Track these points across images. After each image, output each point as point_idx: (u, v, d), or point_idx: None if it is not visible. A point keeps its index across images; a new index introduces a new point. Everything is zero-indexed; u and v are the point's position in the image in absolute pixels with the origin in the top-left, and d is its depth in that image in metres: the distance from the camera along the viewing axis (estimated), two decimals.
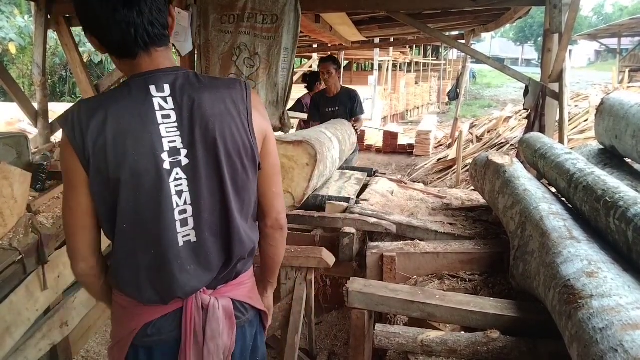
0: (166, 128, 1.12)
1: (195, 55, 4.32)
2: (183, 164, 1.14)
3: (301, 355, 2.53)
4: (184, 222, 1.17)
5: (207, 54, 3.98)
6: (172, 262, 1.17)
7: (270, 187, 1.33)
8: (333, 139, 3.49)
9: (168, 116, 1.13)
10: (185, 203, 1.16)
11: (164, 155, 1.12)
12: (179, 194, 1.15)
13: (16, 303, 2.04)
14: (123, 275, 1.22)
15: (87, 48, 10.85)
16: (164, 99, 1.13)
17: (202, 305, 1.23)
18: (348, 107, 4.65)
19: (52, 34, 6.30)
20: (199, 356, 1.23)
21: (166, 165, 1.12)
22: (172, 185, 1.13)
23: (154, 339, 1.22)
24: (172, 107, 1.13)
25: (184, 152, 1.14)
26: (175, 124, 1.13)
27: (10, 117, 10.05)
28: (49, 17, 4.60)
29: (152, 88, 1.13)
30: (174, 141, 1.13)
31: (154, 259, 1.17)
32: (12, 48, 10.80)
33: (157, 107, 1.12)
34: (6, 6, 11.21)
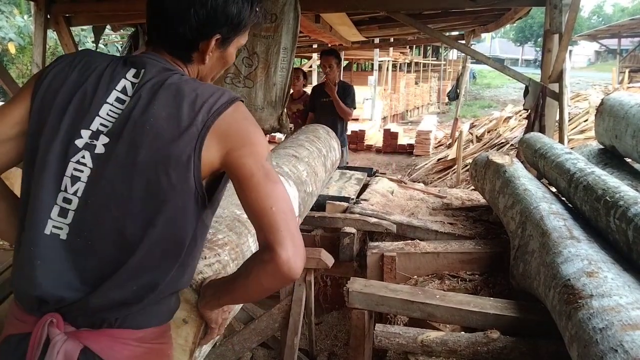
0: (109, 109, 1.00)
1: None
2: (95, 151, 0.98)
3: (301, 355, 2.53)
4: (63, 213, 0.98)
5: None
6: (30, 248, 0.97)
7: (264, 206, 0.97)
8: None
9: (121, 101, 1.01)
10: (74, 193, 0.98)
11: (84, 132, 0.99)
12: (74, 179, 0.98)
13: None
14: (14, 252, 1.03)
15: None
16: (133, 84, 1.02)
17: (49, 340, 0.96)
18: (340, 99, 4.66)
19: (51, 34, 6.30)
20: None
21: (78, 142, 0.98)
22: (70, 165, 0.98)
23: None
24: (132, 94, 1.01)
25: (104, 139, 0.98)
26: (120, 111, 1.00)
27: None
28: (48, 17, 4.60)
29: (132, 71, 1.03)
30: (106, 126, 0.99)
31: (20, 234, 0.99)
32: (12, 48, 10.79)
33: (119, 87, 1.02)
34: (6, 6, 11.20)
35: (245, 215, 1.61)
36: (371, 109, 13.60)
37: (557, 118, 4.03)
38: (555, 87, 3.96)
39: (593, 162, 3.05)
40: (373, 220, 2.92)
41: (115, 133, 0.98)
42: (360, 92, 12.53)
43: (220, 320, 1.16)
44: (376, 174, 4.25)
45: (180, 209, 0.99)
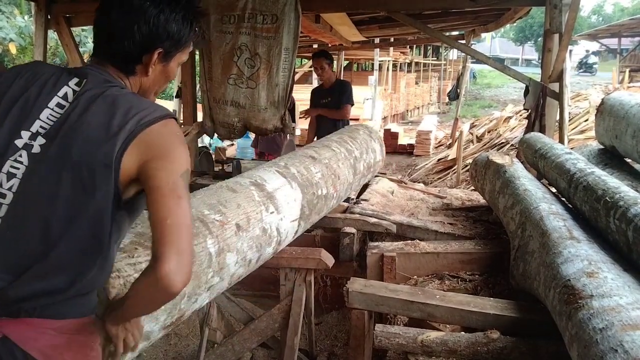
0: (50, 113, 1.09)
1: (197, 56, 4.32)
2: (32, 151, 1.06)
3: (301, 355, 2.53)
4: None
5: (208, 54, 3.98)
6: None
7: (160, 216, 1.02)
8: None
9: (61, 106, 1.10)
10: (9, 189, 1.05)
11: (24, 133, 1.07)
12: (10, 176, 1.05)
13: None
14: None
15: (87, 48, 10.86)
16: (74, 91, 1.12)
17: None
18: (338, 98, 4.68)
19: (52, 34, 6.29)
20: None
21: (18, 142, 1.07)
22: (8, 163, 1.06)
23: None
24: (71, 101, 1.10)
25: (41, 140, 1.07)
26: (59, 115, 1.09)
27: None
28: (49, 17, 4.60)
29: (75, 80, 1.13)
30: (45, 128, 1.08)
31: None
32: (12, 48, 10.80)
33: (60, 94, 1.11)
34: (6, 6, 11.20)
35: (212, 216, 1.75)
36: (371, 109, 13.57)
37: (558, 118, 4.03)
38: (555, 87, 3.96)
39: (593, 162, 3.05)
40: (373, 220, 2.92)
41: (52, 135, 1.07)
42: (361, 92, 12.55)
43: (121, 335, 1.16)
44: (376, 174, 4.25)
45: (101, 209, 1.06)
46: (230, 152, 8.32)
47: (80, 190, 1.05)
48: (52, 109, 1.09)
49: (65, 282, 1.04)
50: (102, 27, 1.17)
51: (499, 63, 5.34)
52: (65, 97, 1.11)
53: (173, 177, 1.05)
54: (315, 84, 9.91)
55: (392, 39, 10.02)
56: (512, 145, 7.56)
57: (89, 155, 1.04)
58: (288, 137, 5.11)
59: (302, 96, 7.21)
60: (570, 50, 5.39)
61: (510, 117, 9.56)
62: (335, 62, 6.43)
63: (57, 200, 1.04)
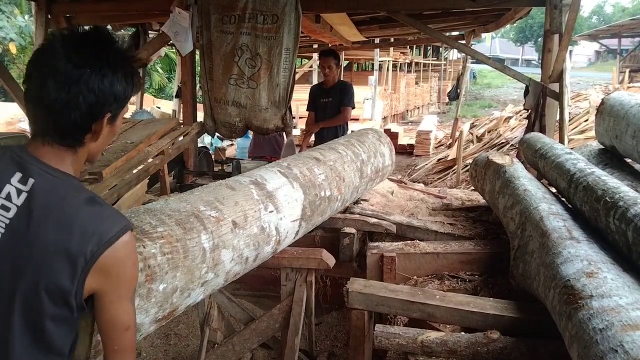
0: None
1: (198, 56, 4.32)
2: None
3: (301, 355, 2.53)
4: None
5: (209, 54, 3.98)
6: None
7: (109, 344, 1.12)
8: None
9: (7, 208, 1.01)
10: None
11: None
12: None
13: None
14: None
15: None
16: (19, 191, 1.02)
17: None
18: (339, 99, 4.68)
19: None
20: None
21: None
22: None
23: None
24: (20, 204, 1.01)
25: None
26: (7, 221, 1.01)
27: (10, 116, 10.07)
28: (49, 16, 4.60)
29: (17, 175, 1.03)
30: None
31: None
32: (13, 48, 10.81)
33: (3, 194, 1.01)
34: (6, 6, 11.21)
35: (207, 212, 1.71)
36: (371, 109, 13.58)
37: (558, 118, 4.03)
38: (555, 87, 3.96)
39: (593, 162, 3.04)
40: (373, 220, 2.92)
41: (2, 248, 1.01)
42: (361, 92, 12.54)
43: None
44: None
45: (62, 326, 1.05)
46: (230, 152, 8.32)
47: (37, 312, 1.01)
48: None
49: None
50: (39, 103, 1.04)
51: (499, 63, 5.35)
52: (8, 197, 1.01)
53: (124, 307, 1.11)
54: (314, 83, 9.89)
55: (392, 39, 10.01)
56: (512, 145, 7.57)
57: (48, 278, 1.00)
58: (287, 138, 5.13)
59: (302, 96, 7.22)
60: (570, 51, 5.40)
61: (510, 117, 9.57)
62: None
63: (12, 321, 1.00)
